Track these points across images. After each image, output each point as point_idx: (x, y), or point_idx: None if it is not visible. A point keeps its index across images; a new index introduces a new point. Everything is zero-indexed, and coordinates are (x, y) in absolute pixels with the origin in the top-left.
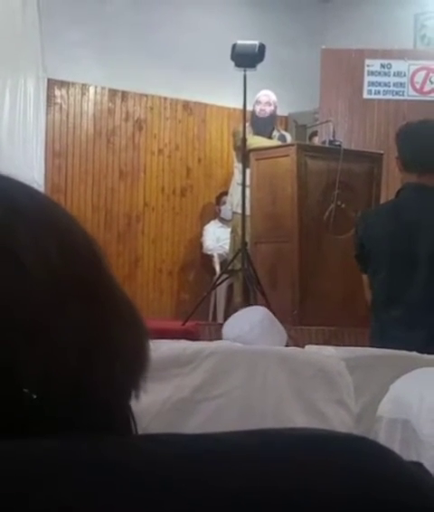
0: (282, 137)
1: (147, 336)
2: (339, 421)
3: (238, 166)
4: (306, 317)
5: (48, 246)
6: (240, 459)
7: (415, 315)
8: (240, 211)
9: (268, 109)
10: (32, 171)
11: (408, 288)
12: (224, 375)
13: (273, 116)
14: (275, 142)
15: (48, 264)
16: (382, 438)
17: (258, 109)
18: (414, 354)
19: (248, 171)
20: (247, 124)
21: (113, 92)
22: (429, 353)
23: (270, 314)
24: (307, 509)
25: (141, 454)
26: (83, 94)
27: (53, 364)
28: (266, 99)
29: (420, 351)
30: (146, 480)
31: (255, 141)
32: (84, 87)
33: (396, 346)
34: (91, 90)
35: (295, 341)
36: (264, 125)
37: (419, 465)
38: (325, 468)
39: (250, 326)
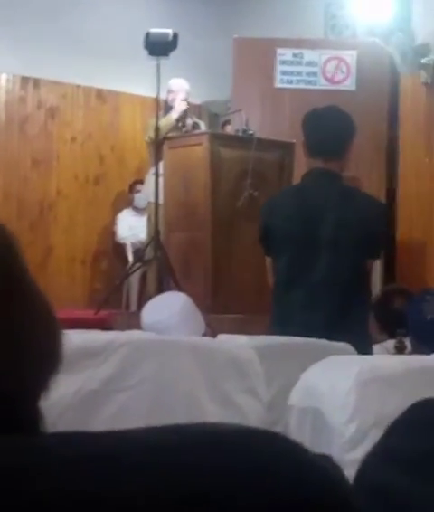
0: (196, 125)
1: (60, 334)
2: (250, 410)
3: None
4: (220, 305)
5: None
6: (137, 463)
7: (315, 297)
8: (154, 200)
9: (181, 97)
10: None
11: (309, 271)
12: (135, 366)
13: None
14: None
15: None
16: (293, 427)
17: (170, 97)
18: (324, 341)
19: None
20: (160, 113)
21: (25, 80)
22: (327, 336)
23: (190, 301)
24: None
25: (42, 455)
26: None
27: None
28: (177, 87)
29: (320, 334)
30: (38, 481)
31: (163, 122)
32: None
33: (295, 329)
34: (3, 77)
35: (213, 330)
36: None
37: (327, 458)
38: (228, 469)
39: (170, 312)
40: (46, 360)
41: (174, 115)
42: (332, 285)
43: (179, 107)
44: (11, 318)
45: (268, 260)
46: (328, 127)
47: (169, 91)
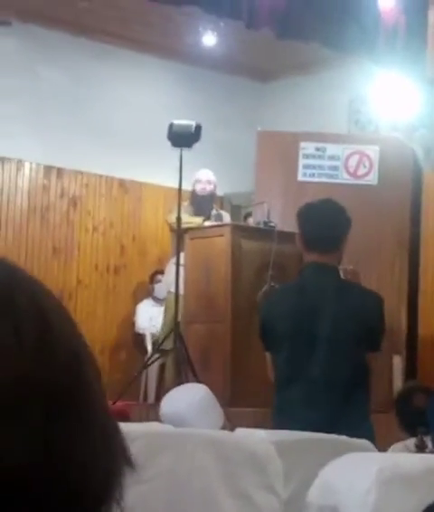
0: (219, 216)
1: (120, 465)
2: (268, 507)
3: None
4: (238, 398)
5: (26, 336)
6: None
7: (314, 394)
8: (174, 290)
9: (209, 188)
10: None
11: (307, 367)
12: (152, 459)
13: (213, 194)
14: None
15: (17, 356)
16: None
17: (199, 187)
18: (344, 438)
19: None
20: (186, 203)
21: (48, 169)
22: (329, 433)
23: (210, 393)
24: None
25: None
26: (18, 170)
27: None
28: (206, 177)
29: (320, 431)
30: None
31: (190, 221)
32: (19, 163)
33: (296, 426)
34: (26, 166)
35: (232, 423)
36: (204, 203)
37: None
38: None
39: (188, 403)
40: (102, 487)
41: (206, 223)
42: (330, 381)
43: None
44: (63, 434)
45: (268, 355)
46: (323, 221)
47: (197, 181)
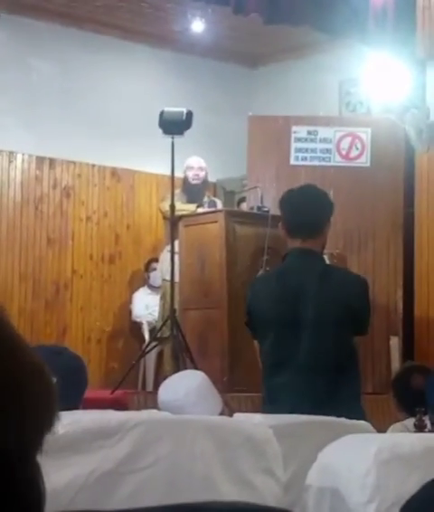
0: (212, 203)
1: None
2: (268, 490)
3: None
4: (236, 383)
5: None
6: None
7: (301, 379)
8: (169, 278)
9: (202, 174)
10: None
11: (293, 352)
12: (150, 446)
13: (205, 181)
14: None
15: None
16: (311, 507)
17: (191, 174)
18: (342, 420)
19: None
20: (178, 191)
21: (40, 160)
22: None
23: (208, 380)
24: None
25: None
26: (10, 162)
27: None
28: (197, 164)
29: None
30: None
31: (183, 208)
32: (11, 154)
33: (284, 411)
34: (19, 157)
35: (230, 408)
36: (196, 191)
37: None
38: None
39: (186, 391)
40: (42, 414)
41: (199, 210)
42: (317, 366)
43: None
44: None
45: (256, 342)
46: (304, 207)
47: (188, 168)
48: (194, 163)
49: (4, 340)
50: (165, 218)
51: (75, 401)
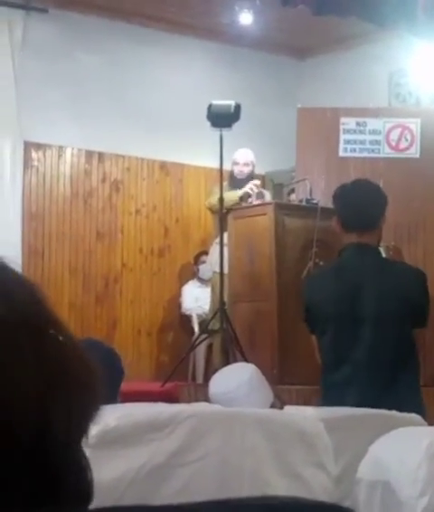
0: (260, 195)
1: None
2: (318, 484)
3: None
4: (286, 376)
5: None
6: None
7: (362, 375)
8: (218, 270)
9: (247, 170)
10: (8, 233)
11: (353, 349)
12: (201, 439)
13: (251, 176)
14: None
15: None
16: (362, 500)
17: (236, 169)
18: (393, 413)
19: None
20: (225, 183)
21: (90, 154)
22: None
23: (259, 372)
24: None
25: None
26: (60, 156)
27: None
28: (244, 159)
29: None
30: None
31: (227, 197)
32: (61, 149)
33: (345, 406)
34: (68, 151)
35: (281, 401)
36: (242, 184)
37: None
38: None
39: (238, 383)
40: (88, 401)
41: (239, 192)
42: (376, 362)
43: (248, 188)
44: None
45: (314, 338)
46: (358, 201)
47: (234, 163)
48: (241, 158)
49: (48, 328)
50: (212, 213)
51: (113, 393)
